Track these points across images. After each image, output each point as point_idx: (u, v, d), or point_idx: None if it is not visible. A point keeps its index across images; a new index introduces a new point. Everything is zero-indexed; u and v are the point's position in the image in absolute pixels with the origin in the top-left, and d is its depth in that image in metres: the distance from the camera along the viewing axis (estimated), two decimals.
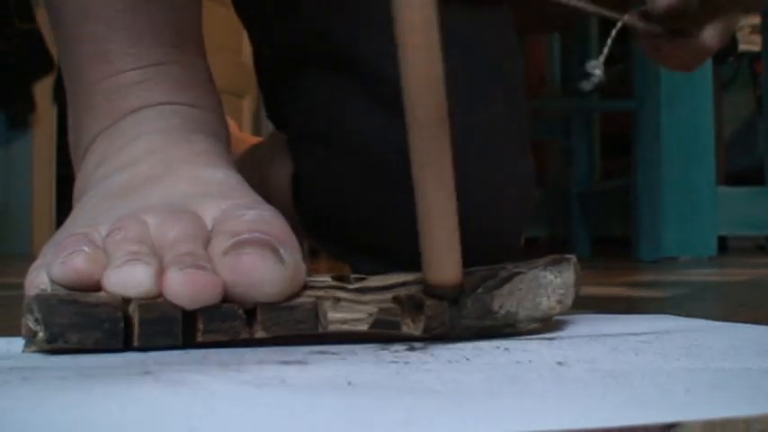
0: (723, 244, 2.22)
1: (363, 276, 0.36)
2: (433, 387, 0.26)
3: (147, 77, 0.46)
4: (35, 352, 0.33)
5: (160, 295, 0.32)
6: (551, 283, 0.38)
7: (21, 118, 2.64)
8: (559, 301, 0.38)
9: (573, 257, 0.39)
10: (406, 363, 0.31)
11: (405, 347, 0.34)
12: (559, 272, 0.38)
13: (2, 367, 0.29)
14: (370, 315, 0.34)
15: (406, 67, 0.31)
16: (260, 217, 0.36)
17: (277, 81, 0.66)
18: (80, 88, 0.47)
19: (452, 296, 0.35)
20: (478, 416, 0.22)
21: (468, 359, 0.32)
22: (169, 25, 0.47)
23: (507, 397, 0.25)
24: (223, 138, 0.48)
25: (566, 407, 0.23)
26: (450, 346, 0.35)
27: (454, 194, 0.33)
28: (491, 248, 0.55)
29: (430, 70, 0.31)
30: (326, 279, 0.35)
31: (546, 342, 0.36)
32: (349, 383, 0.26)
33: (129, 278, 0.32)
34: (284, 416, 0.22)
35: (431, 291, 0.35)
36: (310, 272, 0.36)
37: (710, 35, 0.61)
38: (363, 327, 0.34)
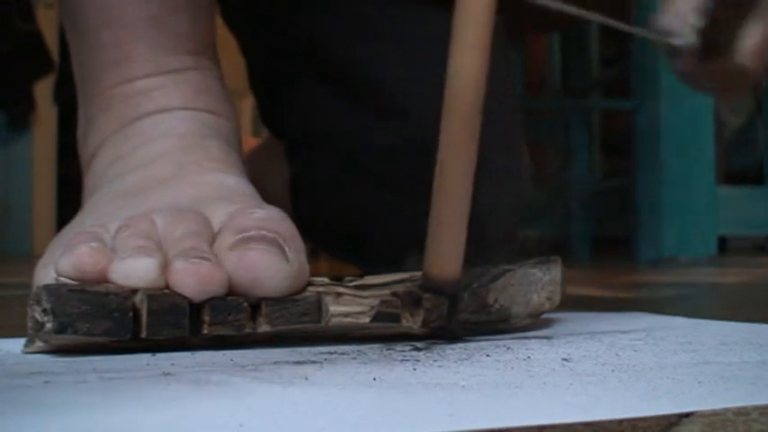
0: (723, 244, 2.22)
1: (359, 277, 0.36)
2: (458, 382, 0.26)
3: (164, 83, 0.46)
4: (38, 352, 0.33)
5: (166, 287, 0.33)
6: (540, 280, 0.39)
7: (21, 118, 2.64)
8: (549, 298, 0.39)
9: (558, 258, 0.40)
10: (417, 361, 0.31)
11: (409, 347, 0.35)
12: (548, 269, 0.39)
13: (21, 372, 0.29)
14: (372, 308, 0.35)
15: (454, 56, 0.32)
16: (267, 216, 0.36)
17: (269, 89, 0.67)
18: (95, 91, 0.48)
19: (450, 290, 0.36)
20: (518, 408, 0.23)
21: (475, 357, 0.32)
22: (188, 34, 0.47)
23: (534, 390, 0.25)
24: (236, 144, 0.49)
25: (596, 399, 0.24)
26: (453, 345, 0.35)
27: (470, 191, 0.34)
28: (488, 242, 0.55)
29: (475, 62, 0.32)
30: (324, 279, 0.36)
31: (544, 341, 0.37)
32: (374, 379, 0.27)
33: (134, 269, 0.32)
34: (329, 412, 0.22)
35: (429, 284, 0.35)
36: (311, 272, 0.36)
37: (745, 51, 0.49)
38: (365, 319, 0.35)
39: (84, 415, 0.22)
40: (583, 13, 0.40)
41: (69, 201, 0.50)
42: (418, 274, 0.36)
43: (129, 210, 0.39)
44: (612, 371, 0.29)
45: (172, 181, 0.42)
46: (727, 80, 0.50)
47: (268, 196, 0.55)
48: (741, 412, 0.22)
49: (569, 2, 0.38)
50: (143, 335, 0.32)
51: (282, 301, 0.34)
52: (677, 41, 0.49)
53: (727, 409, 0.22)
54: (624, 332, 0.40)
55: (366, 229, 0.64)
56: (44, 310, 0.31)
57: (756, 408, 0.23)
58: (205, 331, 0.33)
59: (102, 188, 0.44)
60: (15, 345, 0.35)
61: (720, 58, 0.49)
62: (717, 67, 0.49)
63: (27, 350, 0.33)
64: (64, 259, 0.33)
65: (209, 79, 0.48)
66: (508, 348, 0.34)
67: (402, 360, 0.31)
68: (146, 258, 0.33)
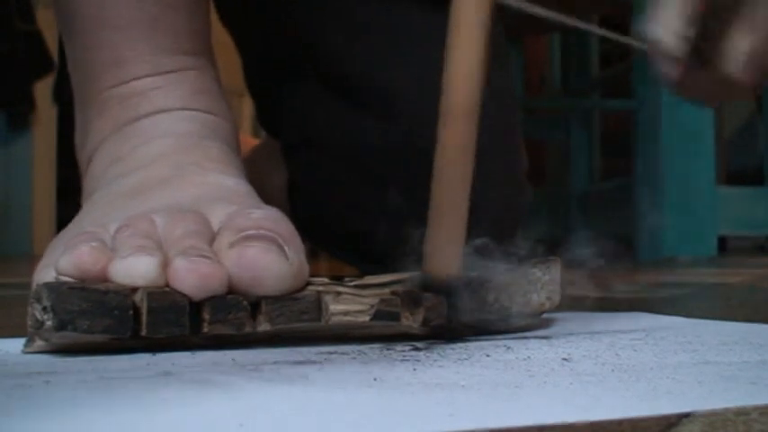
0: (723, 244, 2.22)
1: (359, 277, 0.36)
2: (458, 382, 0.26)
3: (162, 84, 0.46)
4: (38, 352, 0.33)
5: (166, 286, 0.33)
6: (540, 279, 0.39)
7: (21, 118, 2.64)
8: (549, 298, 0.40)
9: (557, 258, 0.40)
10: (418, 361, 0.31)
11: (409, 348, 0.35)
12: (547, 269, 0.40)
13: (21, 372, 0.29)
14: (372, 306, 0.35)
15: (450, 57, 0.33)
16: (266, 216, 0.36)
17: (267, 91, 0.67)
18: (92, 92, 0.47)
19: (450, 289, 0.36)
20: (518, 408, 0.23)
21: (475, 357, 0.32)
22: (185, 34, 0.47)
23: (534, 390, 0.25)
24: (234, 144, 0.49)
25: (596, 399, 0.24)
26: (454, 345, 0.35)
27: (468, 189, 0.34)
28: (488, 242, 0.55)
29: (470, 64, 0.33)
30: (324, 279, 0.36)
31: (544, 341, 0.37)
32: (375, 379, 0.27)
33: (134, 267, 0.32)
34: (329, 412, 0.22)
35: (429, 284, 0.35)
36: (311, 272, 0.36)
37: (733, 61, 0.47)
38: (365, 318, 0.35)
39: (85, 415, 0.22)
40: (570, 20, 0.39)
41: (69, 201, 0.50)
42: (418, 273, 0.36)
43: (128, 210, 0.39)
44: (612, 371, 0.29)
45: (171, 181, 0.42)
46: (717, 90, 0.49)
47: (266, 196, 0.55)
48: (741, 412, 0.22)
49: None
50: (143, 333, 0.32)
51: (282, 299, 0.34)
52: (664, 49, 0.48)
53: (727, 409, 0.22)
54: (624, 332, 0.40)
55: (364, 230, 0.64)
56: (44, 308, 0.31)
57: (756, 408, 0.23)
58: (205, 330, 0.33)
59: (101, 189, 0.44)
60: (15, 345, 0.35)
61: (708, 67, 0.47)
62: (705, 76, 0.48)
63: (27, 350, 0.33)
64: (64, 258, 0.33)
65: (207, 79, 0.48)
66: (508, 348, 0.34)
67: (402, 360, 0.31)
68: (146, 257, 0.33)
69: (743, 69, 0.47)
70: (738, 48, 0.47)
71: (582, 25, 0.42)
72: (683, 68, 0.48)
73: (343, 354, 0.33)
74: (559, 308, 0.41)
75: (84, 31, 0.47)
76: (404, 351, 0.34)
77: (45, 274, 0.37)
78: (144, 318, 0.32)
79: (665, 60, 0.48)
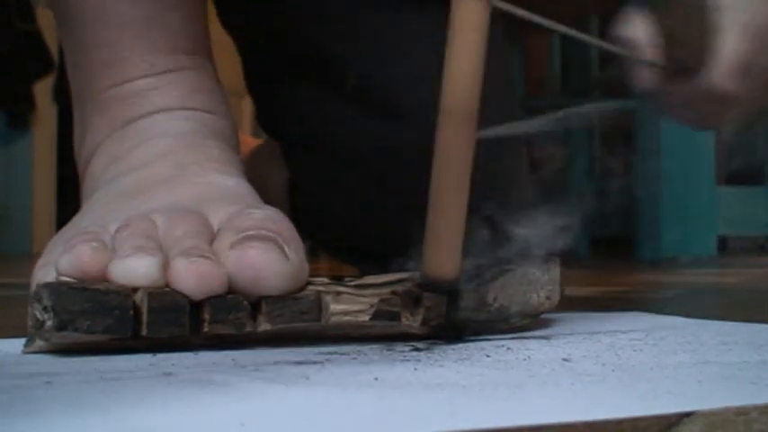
0: (723, 244, 2.22)
1: (359, 276, 0.36)
2: (459, 382, 0.26)
3: (160, 84, 0.46)
4: (38, 352, 0.33)
5: (166, 286, 0.33)
6: (539, 279, 0.39)
7: (21, 118, 2.64)
8: (548, 298, 0.40)
9: (557, 257, 0.40)
10: (418, 361, 0.31)
11: (409, 348, 0.35)
12: (547, 269, 0.40)
13: (21, 372, 0.29)
14: (371, 306, 0.35)
15: (449, 59, 0.33)
16: (267, 216, 0.37)
17: (267, 92, 0.67)
18: (91, 93, 0.47)
19: (449, 289, 0.36)
20: (517, 408, 0.23)
21: (475, 357, 0.32)
22: (182, 33, 0.47)
23: (535, 390, 0.25)
24: (234, 144, 0.49)
25: (596, 399, 0.24)
26: (454, 345, 0.36)
27: (467, 189, 0.34)
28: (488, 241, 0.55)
29: (469, 65, 0.33)
30: (324, 279, 0.36)
31: (544, 341, 0.37)
32: (375, 380, 0.27)
33: (135, 268, 0.33)
34: (330, 412, 0.22)
35: (428, 283, 0.35)
36: (311, 272, 0.36)
37: (717, 72, 0.42)
38: (365, 318, 0.35)
39: (85, 415, 0.22)
40: (546, 22, 0.38)
41: (69, 201, 0.50)
42: (418, 273, 0.36)
43: (128, 210, 0.39)
44: (612, 371, 0.29)
45: (171, 181, 0.42)
46: (704, 105, 0.44)
47: (267, 196, 0.55)
48: (741, 412, 0.22)
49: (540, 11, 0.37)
50: (143, 333, 0.32)
51: (283, 299, 0.34)
52: (637, 56, 0.44)
53: (727, 409, 0.22)
54: (624, 332, 0.40)
55: (364, 230, 0.64)
56: (45, 308, 0.31)
57: (756, 407, 0.23)
58: (205, 329, 0.33)
59: (101, 189, 0.44)
60: (15, 345, 0.35)
61: (692, 80, 0.43)
62: (688, 89, 0.44)
63: (27, 350, 0.33)
64: (64, 258, 0.33)
65: (205, 78, 0.48)
66: (508, 348, 0.34)
67: (403, 360, 0.31)
68: (146, 257, 0.33)
69: (730, 80, 0.42)
70: (723, 56, 0.42)
71: (557, 27, 0.40)
72: (661, 78, 0.44)
73: (343, 354, 0.33)
74: (559, 308, 0.41)
75: (81, 30, 0.47)
76: (404, 351, 0.34)
77: (44, 272, 0.38)
78: (144, 318, 0.32)
79: (639, 67, 0.45)
